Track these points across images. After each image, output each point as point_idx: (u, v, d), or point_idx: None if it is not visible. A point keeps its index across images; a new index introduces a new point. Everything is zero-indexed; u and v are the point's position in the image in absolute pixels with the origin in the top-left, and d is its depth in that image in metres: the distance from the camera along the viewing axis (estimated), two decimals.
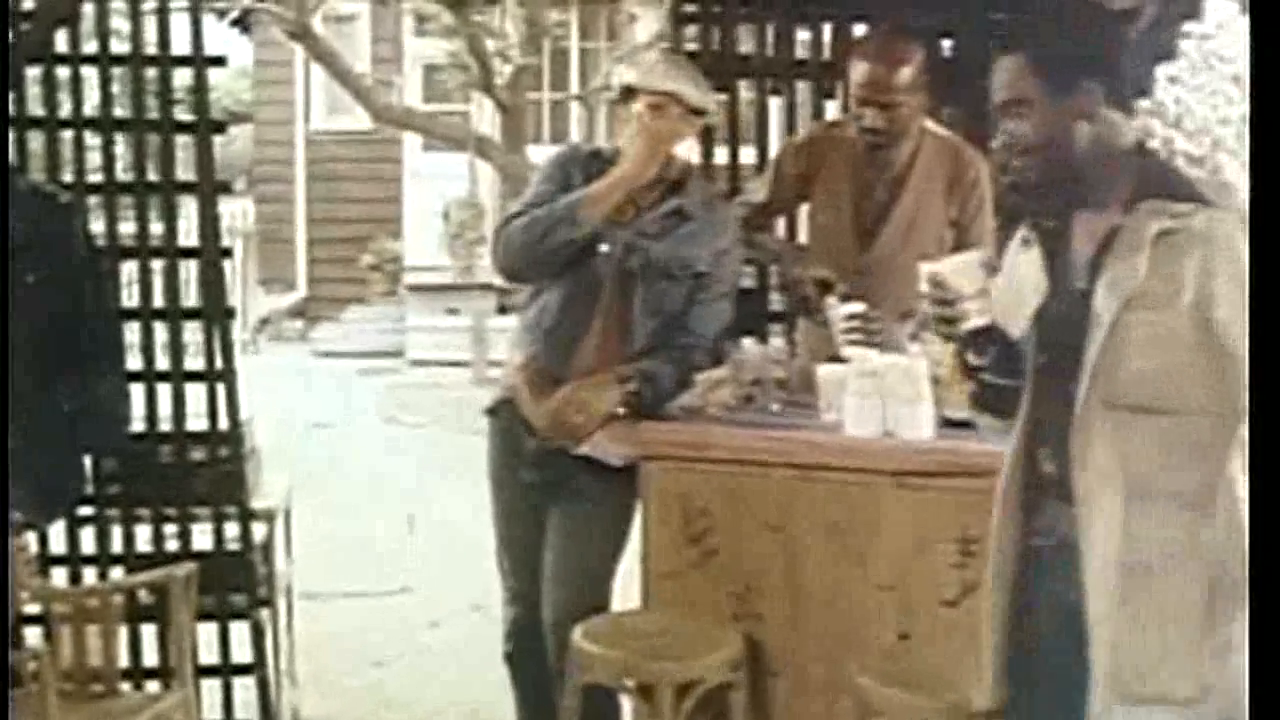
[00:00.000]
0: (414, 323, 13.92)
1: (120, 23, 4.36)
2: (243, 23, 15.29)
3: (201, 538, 4.38)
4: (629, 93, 3.69)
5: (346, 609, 6.13)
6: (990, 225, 3.98)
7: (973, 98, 4.44)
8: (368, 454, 9.62)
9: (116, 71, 4.33)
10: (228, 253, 4.32)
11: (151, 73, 4.31)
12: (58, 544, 4.29)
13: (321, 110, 15.44)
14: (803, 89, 4.74)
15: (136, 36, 4.33)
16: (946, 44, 4.62)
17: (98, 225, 4.23)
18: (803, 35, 4.75)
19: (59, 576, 4.33)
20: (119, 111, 4.36)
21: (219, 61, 4.40)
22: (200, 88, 4.30)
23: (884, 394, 3.38)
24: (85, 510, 4.31)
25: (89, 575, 4.37)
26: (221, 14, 11.93)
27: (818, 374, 3.58)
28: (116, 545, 4.37)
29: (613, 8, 12.13)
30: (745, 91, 4.83)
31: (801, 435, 3.48)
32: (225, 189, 4.35)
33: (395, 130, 14.63)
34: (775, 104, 4.77)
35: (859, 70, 3.87)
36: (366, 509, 7.92)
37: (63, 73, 4.28)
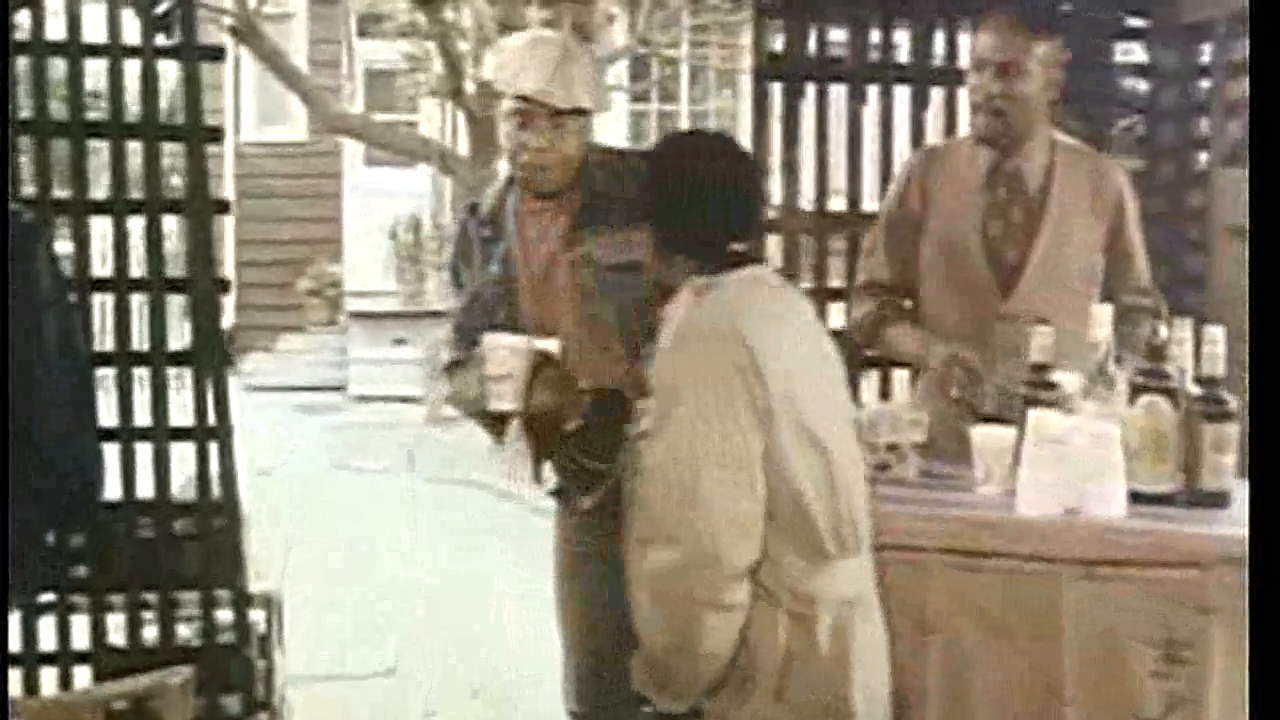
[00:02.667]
0: (357, 354, 13.60)
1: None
2: (164, 21, 14.74)
3: (187, 628, 4.00)
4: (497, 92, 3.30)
5: (328, 695, 5.61)
6: (1140, 246, 3.60)
7: (1088, 99, 4.20)
8: (321, 505, 9.12)
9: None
10: (224, 285, 3.82)
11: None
12: (10, 639, 3.83)
13: (252, 119, 14.97)
14: (902, 97, 4.35)
15: (114, 23, 3.88)
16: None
17: (64, 248, 3.81)
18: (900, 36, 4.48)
19: (11, 680, 3.85)
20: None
21: (215, 54, 3.95)
22: (192, 84, 3.84)
23: (1067, 464, 2.97)
24: (45, 597, 3.90)
25: (46, 677, 3.93)
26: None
27: (974, 437, 3.17)
28: (81, 639, 3.95)
29: (585, 8, 11.77)
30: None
31: (961, 514, 3.08)
32: (223, 208, 3.87)
33: (332, 142, 14.20)
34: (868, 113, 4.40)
35: (982, 41, 3.54)
36: (332, 571, 7.41)
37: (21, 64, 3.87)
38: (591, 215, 3.29)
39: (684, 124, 14.78)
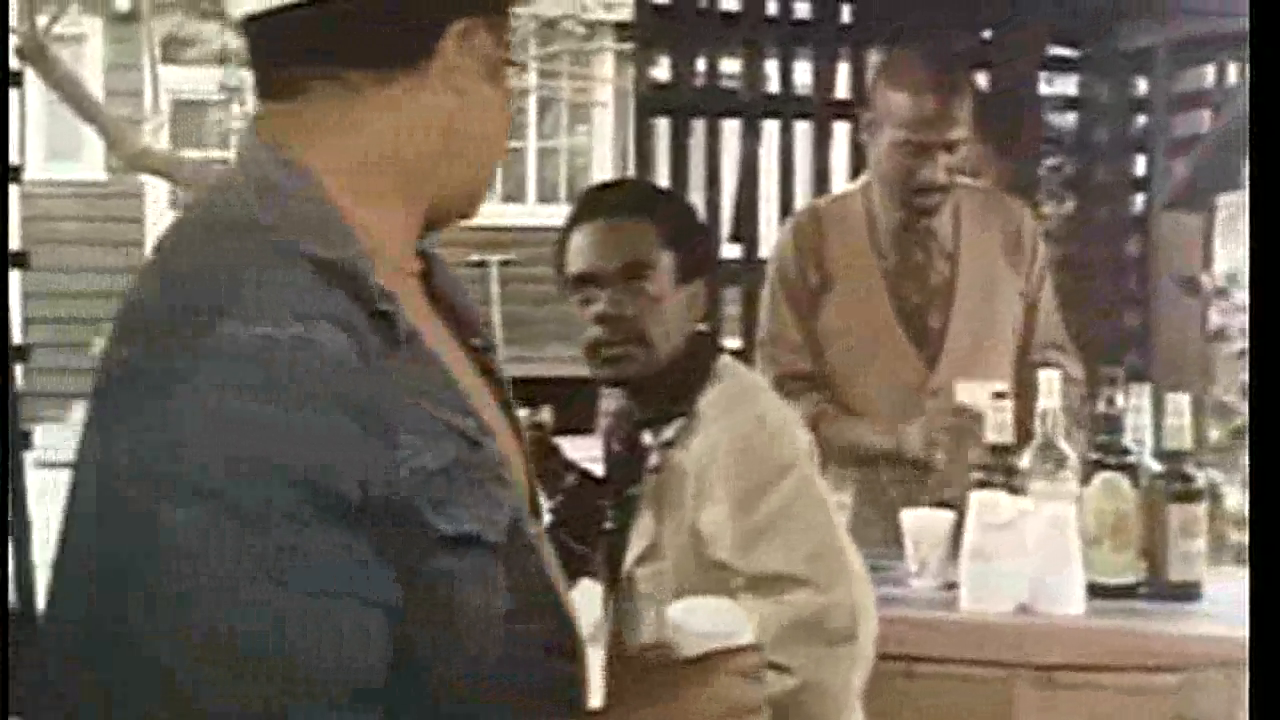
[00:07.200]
0: None
1: None
2: None
3: None
4: None
5: None
6: (1051, 292, 3.55)
7: (1014, 139, 4.17)
8: None
9: None
10: (22, 352, 3.59)
11: None
12: None
13: (38, 155, 14.55)
14: (803, 134, 4.29)
15: None
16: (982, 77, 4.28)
17: None
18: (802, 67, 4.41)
19: None
20: None
21: (12, 79, 3.76)
22: None
23: (1018, 554, 2.91)
24: None
25: None
26: None
27: (905, 522, 3.08)
28: None
29: None
30: None
31: (894, 612, 2.98)
32: (20, 262, 3.65)
33: (134, 181, 13.87)
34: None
35: (901, 103, 3.34)
36: None
37: None
38: None
39: (531, 162, 14.70)
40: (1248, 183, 2.38)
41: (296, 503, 1.19)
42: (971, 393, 3.24)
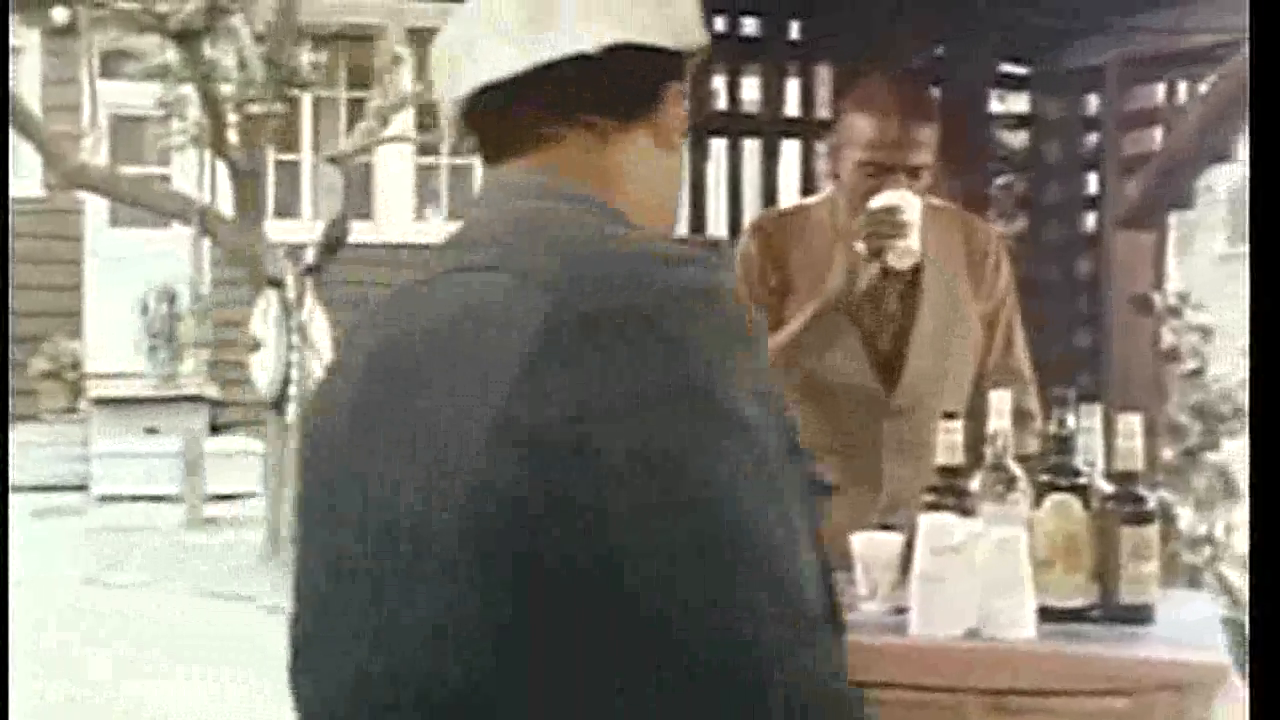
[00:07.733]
0: (102, 447, 13.33)
1: None
2: None
3: None
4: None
5: None
6: (1017, 323, 3.55)
7: (968, 156, 4.18)
8: (68, 635, 8.75)
9: None
10: None
11: None
12: None
13: None
14: (751, 151, 4.29)
15: None
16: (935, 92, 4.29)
17: None
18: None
19: None
20: None
21: None
22: None
23: (968, 577, 2.90)
24: None
25: None
26: None
27: (855, 545, 3.08)
28: None
29: (366, 49, 11.60)
30: None
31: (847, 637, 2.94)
32: None
33: (72, 198, 13.85)
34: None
35: (866, 126, 3.36)
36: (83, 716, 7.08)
37: None
38: None
39: (478, 179, 14.73)
40: (1248, 183, 2.38)
41: (773, 426, 1.38)
42: (888, 199, 3.26)
